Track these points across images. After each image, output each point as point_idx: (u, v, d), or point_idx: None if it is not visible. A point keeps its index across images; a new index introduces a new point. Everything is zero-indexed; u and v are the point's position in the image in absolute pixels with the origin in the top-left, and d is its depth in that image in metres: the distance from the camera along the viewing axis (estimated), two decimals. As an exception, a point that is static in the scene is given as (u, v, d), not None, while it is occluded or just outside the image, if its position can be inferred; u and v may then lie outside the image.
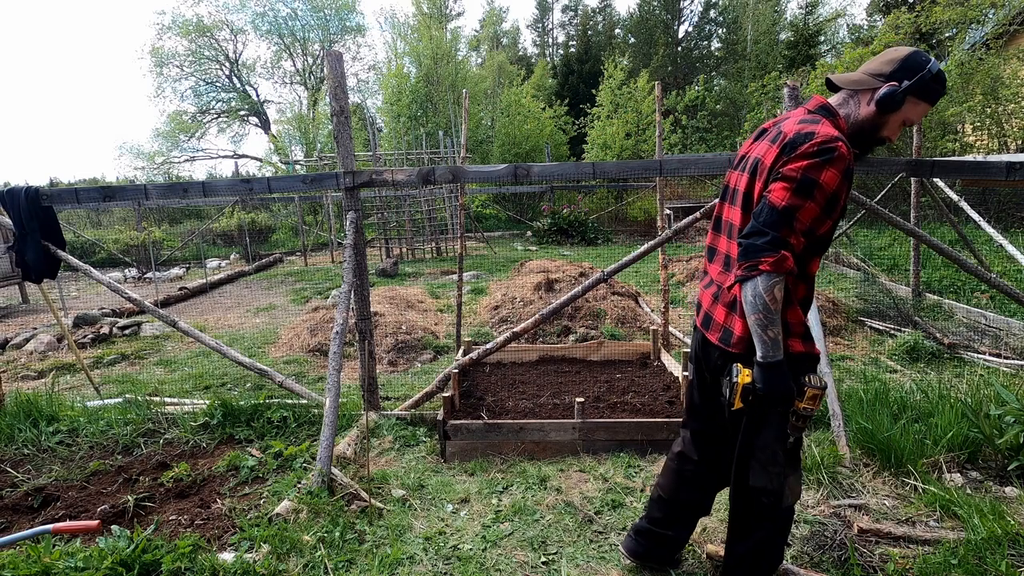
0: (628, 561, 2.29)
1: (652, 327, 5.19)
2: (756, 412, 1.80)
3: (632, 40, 30.43)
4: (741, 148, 2.01)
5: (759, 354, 1.69)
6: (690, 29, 30.23)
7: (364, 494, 2.78)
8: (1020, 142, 10.55)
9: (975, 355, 4.67)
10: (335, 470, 2.85)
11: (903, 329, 5.35)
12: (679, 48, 29.86)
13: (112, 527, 2.44)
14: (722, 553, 2.24)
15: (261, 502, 2.80)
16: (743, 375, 1.75)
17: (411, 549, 2.45)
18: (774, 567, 1.99)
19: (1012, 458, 2.86)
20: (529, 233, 16.19)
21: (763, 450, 1.82)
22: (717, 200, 2.10)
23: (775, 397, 1.68)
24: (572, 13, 37.20)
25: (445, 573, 2.32)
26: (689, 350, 2.18)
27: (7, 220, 4.03)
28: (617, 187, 17.63)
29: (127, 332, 6.88)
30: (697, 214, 3.71)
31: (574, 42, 34.91)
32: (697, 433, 2.14)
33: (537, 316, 3.74)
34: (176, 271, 13.51)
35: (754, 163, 1.78)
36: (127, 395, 4.39)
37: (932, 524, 2.53)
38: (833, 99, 1.84)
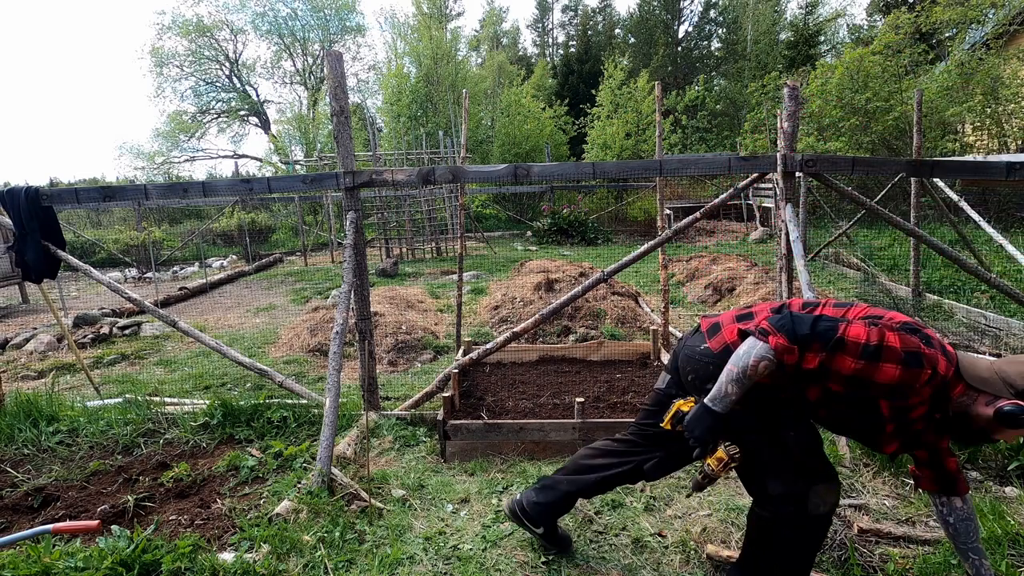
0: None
1: (652, 327, 5.19)
2: (762, 426, 1.82)
3: (632, 40, 30.46)
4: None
5: (708, 395, 1.75)
6: (690, 29, 30.27)
7: (364, 494, 2.78)
8: (1020, 142, 10.55)
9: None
10: (335, 470, 2.85)
11: (903, 329, 5.34)
12: (679, 48, 29.89)
13: (112, 527, 2.44)
14: (722, 553, 2.23)
15: (261, 502, 2.79)
16: (686, 403, 1.87)
17: (411, 549, 2.45)
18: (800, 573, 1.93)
19: (1012, 458, 2.86)
20: (529, 233, 16.19)
21: (773, 459, 1.83)
22: None
23: (691, 435, 1.78)
24: (572, 13, 37.22)
25: (445, 573, 2.32)
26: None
27: (7, 220, 4.03)
28: (617, 187, 17.64)
29: (127, 332, 6.88)
30: (697, 214, 3.71)
31: (574, 42, 34.92)
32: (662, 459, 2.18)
33: (537, 316, 3.74)
34: (192, 268, 13.61)
35: None
36: (127, 395, 4.39)
37: (932, 524, 2.53)
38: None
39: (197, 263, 14.15)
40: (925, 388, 1.57)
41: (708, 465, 1.82)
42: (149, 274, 12.28)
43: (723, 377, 1.71)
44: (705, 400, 1.75)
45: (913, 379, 1.55)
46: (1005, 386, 1.57)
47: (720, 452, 1.81)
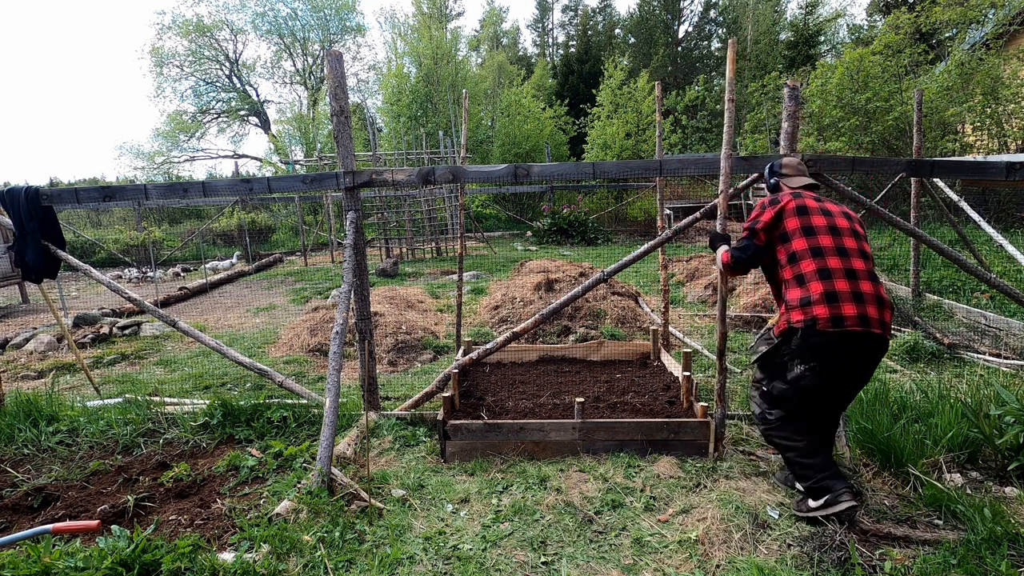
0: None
1: (652, 327, 5.19)
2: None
3: (632, 40, 30.44)
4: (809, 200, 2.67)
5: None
6: (690, 29, 30.26)
7: (364, 494, 2.78)
8: (1020, 142, 10.55)
9: (975, 355, 4.67)
10: (335, 470, 2.85)
11: (903, 329, 5.35)
12: (679, 48, 29.88)
13: (112, 527, 2.44)
14: None
15: (261, 502, 2.80)
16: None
17: (411, 549, 2.45)
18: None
19: (1012, 458, 2.86)
20: (529, 233, 16.19)
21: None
22: (805, 214, 2.63)
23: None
24: (572, 13, 37.19)
25: (445, 573, 2.32)
26: (830, 354, 2.44)
27: (7, 220, 4.03)
28: (617, 187, 17.64)
29: (127, 332, 6.88)
30: (697, 214, 3.71)
31: (574, 42, 34.89)
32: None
33: (537, 316, 3.74)
34: (216, 263, 13.69)
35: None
36: (127, 395, 4.39)
37: (932, 524, 2.53)
38: None
39: (212, 260, 14.17)
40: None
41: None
42: (150, 273, 12.28)
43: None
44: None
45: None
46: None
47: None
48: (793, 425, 2.62)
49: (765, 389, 2.72)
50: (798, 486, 2.67)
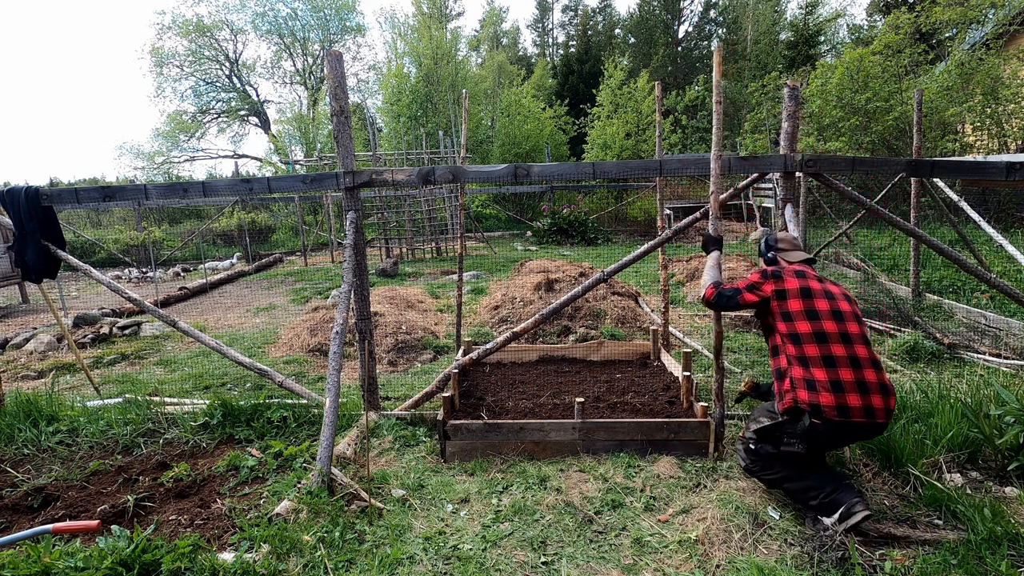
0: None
1: (652, 327, 5.19)
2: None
3: (632, 40, 30.45)
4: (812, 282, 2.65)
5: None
6: (690, 29, 30.27)
7: (364, 494, 2.78)
8: (1020, 142, 10.55)
9: (975, 355, 4.67)
10: (335, 470, 2.85)
11: (903, 329, 5.35)
12: (679, 48, 29.89)
13: (112, 527, 2.44)
14: None
15: (261, 502, 2.80)
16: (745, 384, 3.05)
17: (411, 549, 2.45)
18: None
19: (1012, 458, 2.86)
20: (529, 233, 16.19)
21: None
22: (810, 298, 2.60)
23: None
24: (572, 13, 37.19)
25: (445, 573, 2.32)
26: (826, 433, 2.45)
27: (7, 220, 4.03)
28: (617, 187, 17.63)
29: (127, 332, 6.88)
30: (697, 214, 3.71)
31: (574, 42, 34.89)
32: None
33: (537, 316, 3.74)
34: (215, 264, 13.67)
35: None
36: (127, 395, 4.39)
37: (932, 524, 2.53)
38: None
39: (210, 260, 14.18)
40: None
41: (742, 384, 3.03)
42: (150, 274, 12.28)
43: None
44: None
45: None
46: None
47: (747, 380, 3.04)
48: (779, 465, 2.63)
49: (752, 447, 2.70)
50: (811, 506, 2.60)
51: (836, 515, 2.43)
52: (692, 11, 30.04)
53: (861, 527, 2.42)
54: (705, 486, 2.89)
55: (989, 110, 10.36)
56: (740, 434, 2.87)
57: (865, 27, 23.81)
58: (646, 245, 3.75)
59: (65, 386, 5.04)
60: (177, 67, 28.22)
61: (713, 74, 3.19)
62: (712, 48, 29.88)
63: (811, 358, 2.47)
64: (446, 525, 2.64)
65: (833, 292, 2.61)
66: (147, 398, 4.17)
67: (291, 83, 31.03)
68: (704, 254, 3.10)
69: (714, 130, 3.22)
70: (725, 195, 3.72)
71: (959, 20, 11.36)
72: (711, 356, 4.95)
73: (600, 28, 33.77)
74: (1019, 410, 2.91)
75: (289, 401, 3.90)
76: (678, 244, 12.69)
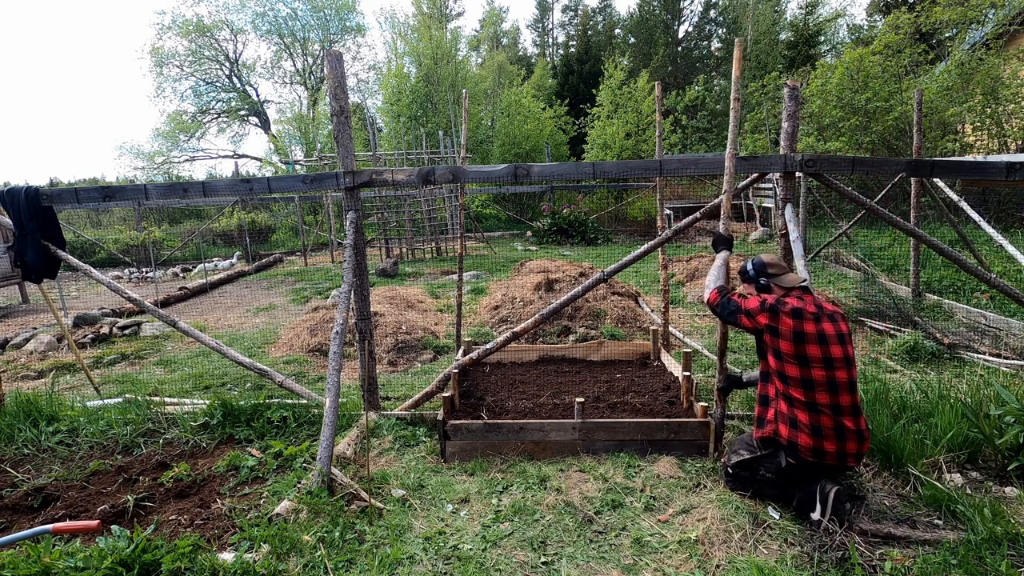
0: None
1: (652, 327, 5.19)
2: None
3: (632, 40, 30.45)
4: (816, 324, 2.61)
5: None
6: (690, 29, 30.27)
7: (364, 494, 2.78)
8: (1020, 142, 10.55)
9: (975, 355, 4.67)
10: (335, 470, 2.85)
11: (903, 329, 5.34)
12: (679, 48, 29.89)
13: (112, 527, 2.44)
14: None
15: (261, 502, 2.80)
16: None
17: (411, 549, 2.45)
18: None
19: (1012, 458, 2.86)
20: (529, 233, 16.19)
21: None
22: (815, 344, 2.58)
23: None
24: (572, 13, 37.18)
25: (445, 573, 2.32)
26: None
27: (7, 220, 4.03)
28: (617, 187, 17.64)
29: (127, 332, 6.88)
30: (697, 214, 3.72)
31: (574, 42, 34.89)
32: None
33: (537, 316, 3.74)
34: (215, 263, 13.73)
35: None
36: (127, 395, 4.39)
37: (932, 524, 2.53)
38: None
39: (209, 260, 14.19)
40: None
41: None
42: (150, 274, 12.28)
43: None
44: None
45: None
46: None
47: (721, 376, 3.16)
48: (758, 485, 2.77)
49: (731, 472, 2.83)
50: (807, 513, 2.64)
51: (818, 506, 2.51)
52: (692, 11, 30.06)
53: (850, 513, 2.49)
54: (705, 486, 2.89)
55: (989, 110, 10.36)
56: (722, 459, 3.02)
57: (865, 27, 23.82)
58: (646, 245, 3.76)
59: (65, 386, 5.04)
60: (177, 67, 28.24)
61: (732, 69, 3.19)
62: (712, 48, 29.90)
63: (796, 399, 2.57)
64: (446, 525, 2.64)
65: (827, 334, 2.55)
66: (147, 398, 4.17)
67: (291, 83, 31.07)
68: (712, 253, 3.16)
69: (731, 127, 3.22)
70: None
71: (959, 20, 11.36)
72: (711, 356, 4.96)
73: (600, 28, 33.77)
74: (1019, 410, 2.91)
75: (289, 401, 3.90)
76: (678, 244, 12.70)
